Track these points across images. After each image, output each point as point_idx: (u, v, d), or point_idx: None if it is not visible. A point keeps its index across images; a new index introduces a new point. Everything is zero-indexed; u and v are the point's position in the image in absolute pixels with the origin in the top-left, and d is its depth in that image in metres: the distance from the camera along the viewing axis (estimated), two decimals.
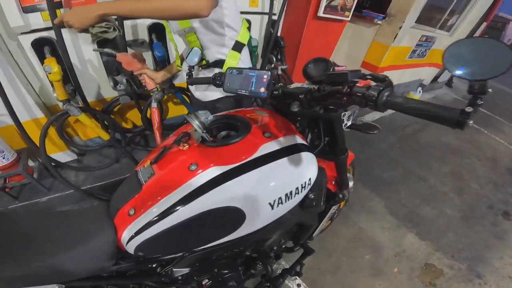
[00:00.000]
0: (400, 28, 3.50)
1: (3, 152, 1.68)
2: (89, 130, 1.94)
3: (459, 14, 4.59)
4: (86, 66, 1.80)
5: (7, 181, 1.78)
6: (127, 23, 1.73)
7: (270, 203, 0.73)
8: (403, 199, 2.61)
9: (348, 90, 0.61)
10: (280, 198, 0.74)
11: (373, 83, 0.63)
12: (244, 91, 0.73)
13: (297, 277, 1.29)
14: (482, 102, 0.49)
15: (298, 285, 1.69)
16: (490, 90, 0.49)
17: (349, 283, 1.79)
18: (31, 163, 1.94)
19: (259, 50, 2.57)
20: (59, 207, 1.91)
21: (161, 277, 0.82)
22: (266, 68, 2.48)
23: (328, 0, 2.45)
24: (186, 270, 0.85)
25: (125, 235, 0.70)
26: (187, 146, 0.76)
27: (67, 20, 0.94)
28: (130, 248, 0.71)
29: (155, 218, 0.67)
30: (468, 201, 2.84)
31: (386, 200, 2.52)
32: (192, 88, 1.39)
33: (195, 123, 0.73)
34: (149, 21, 1.81)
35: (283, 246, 1.15)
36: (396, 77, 4.51)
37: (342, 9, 2.61)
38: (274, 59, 2.57)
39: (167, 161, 0.74)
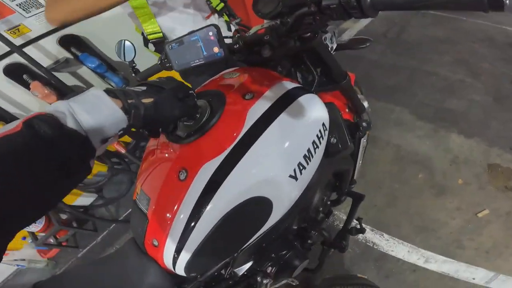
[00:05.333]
0: None
1: None
2: None
3: None
4: None
5: (57, 238, 1.77)
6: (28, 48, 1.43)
7: (291, 175, 0.61)
8: (424, 99, 2.26)
9: (317, 7, 0.52)
10: (299, 163, 0.62)
11: None
12: (197, 61, 0.61)
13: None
14: None
15: None
16: None
17: (415, 211, 1.49)
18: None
19: None
20: (116, 241, 1.86)
21: (228, 281, 0.76)
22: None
23: None
24: (246, 266, 0.79)
25: (167, 262, 0.61)
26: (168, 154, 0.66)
27: None
28: (180, 270, 0.61)
29: (186, 230, 0.56)
30: (489, 82, 2.55)
31: (408, 106, 2.18)
32: None
33: None
34: (58, 35, 1.50)
35: (329, 202, 1.02)
36: None
37: None
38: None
39: (154, 179, 0.64)
